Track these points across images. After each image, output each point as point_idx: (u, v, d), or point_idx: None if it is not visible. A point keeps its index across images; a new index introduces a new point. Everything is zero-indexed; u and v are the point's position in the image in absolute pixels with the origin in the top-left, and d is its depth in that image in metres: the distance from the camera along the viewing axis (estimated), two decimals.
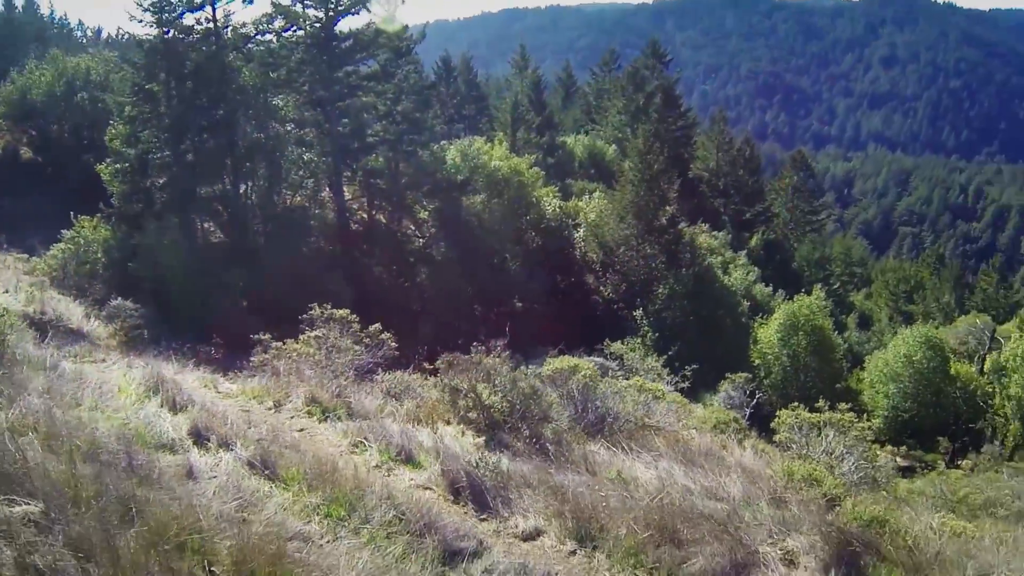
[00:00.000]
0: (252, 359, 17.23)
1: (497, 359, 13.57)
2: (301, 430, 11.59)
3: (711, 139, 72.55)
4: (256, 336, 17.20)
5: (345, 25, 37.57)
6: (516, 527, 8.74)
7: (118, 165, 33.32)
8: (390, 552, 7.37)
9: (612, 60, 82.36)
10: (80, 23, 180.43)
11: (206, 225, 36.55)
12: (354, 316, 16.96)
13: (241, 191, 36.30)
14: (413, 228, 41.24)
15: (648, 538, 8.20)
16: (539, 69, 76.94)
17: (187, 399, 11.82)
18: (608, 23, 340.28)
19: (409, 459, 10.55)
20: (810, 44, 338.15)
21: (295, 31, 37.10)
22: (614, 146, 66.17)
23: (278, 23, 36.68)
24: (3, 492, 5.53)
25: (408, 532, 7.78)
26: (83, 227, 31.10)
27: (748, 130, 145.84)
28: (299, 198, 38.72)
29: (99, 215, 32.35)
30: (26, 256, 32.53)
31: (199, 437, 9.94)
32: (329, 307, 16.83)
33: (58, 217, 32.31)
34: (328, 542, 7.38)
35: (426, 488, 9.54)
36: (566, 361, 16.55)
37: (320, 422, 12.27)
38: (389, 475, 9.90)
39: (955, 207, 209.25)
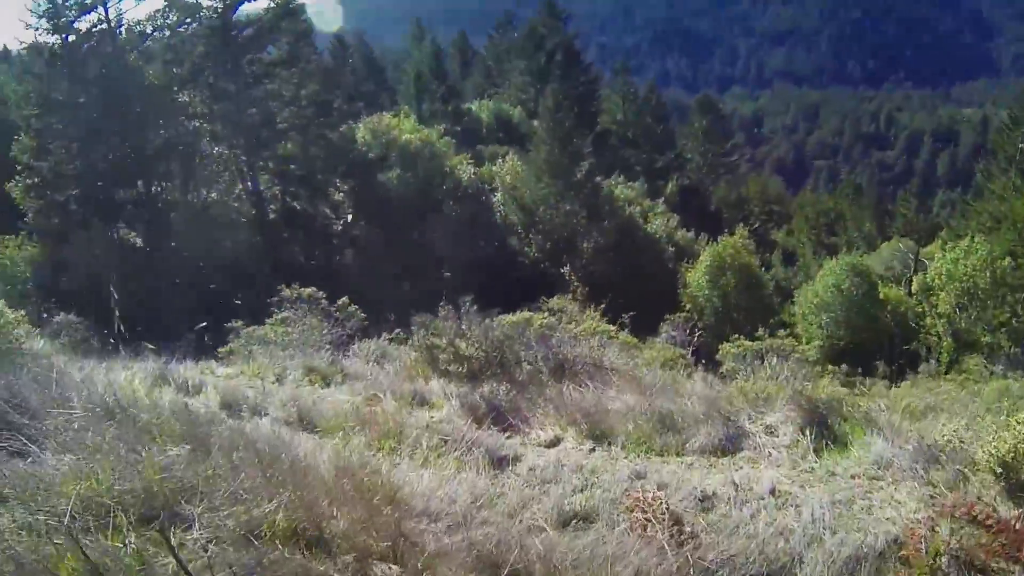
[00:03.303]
0: (218, 350, 18.71)
1: (467, 316, 15.26)
2: (312, 395, 12.88)
3: (616, 91, 74.44)
4: (228, 325, 18.65)
5: (243, 13, 37.90)
6: (539, 438, 10.52)
7: (29, 180, 33.71)
8: (447, 466, 9.12)
9: (508, 22, 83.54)
10: None
11: (124, 232, 37.25)
12: (321, 293, 18.59)
13: (155, 191, 37.19)
14: (330, 211, 42.28)
15: (652, 430, 10.11)
16: (436, 37, 77.81)
17: (197, 384, 13.23)
18: None
19: (423, 402, 12.10)
20: None
21: (190, 24, 37.78)
22: (519, 108, 67.64)
23: (174, 17, 37.35)
24: (155, 441, 7.04)
25: (456, 450, 9.50)
26: (7, 247, 31.70)
27: (651, 78, 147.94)
28: (215, 193, 39.63)
29: (22, 233, 32.92)
30: None
31: (230, 410, 11.36)
32: (297, 287, 18.42)
33: None
34: (390, 467, 8.77)
35: (449, 422, 10.97)
36: (520, 316, 18.11)
37: (323, 388, 13.67)
38: (411, 416, 11.22)
39: (867, 136, 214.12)
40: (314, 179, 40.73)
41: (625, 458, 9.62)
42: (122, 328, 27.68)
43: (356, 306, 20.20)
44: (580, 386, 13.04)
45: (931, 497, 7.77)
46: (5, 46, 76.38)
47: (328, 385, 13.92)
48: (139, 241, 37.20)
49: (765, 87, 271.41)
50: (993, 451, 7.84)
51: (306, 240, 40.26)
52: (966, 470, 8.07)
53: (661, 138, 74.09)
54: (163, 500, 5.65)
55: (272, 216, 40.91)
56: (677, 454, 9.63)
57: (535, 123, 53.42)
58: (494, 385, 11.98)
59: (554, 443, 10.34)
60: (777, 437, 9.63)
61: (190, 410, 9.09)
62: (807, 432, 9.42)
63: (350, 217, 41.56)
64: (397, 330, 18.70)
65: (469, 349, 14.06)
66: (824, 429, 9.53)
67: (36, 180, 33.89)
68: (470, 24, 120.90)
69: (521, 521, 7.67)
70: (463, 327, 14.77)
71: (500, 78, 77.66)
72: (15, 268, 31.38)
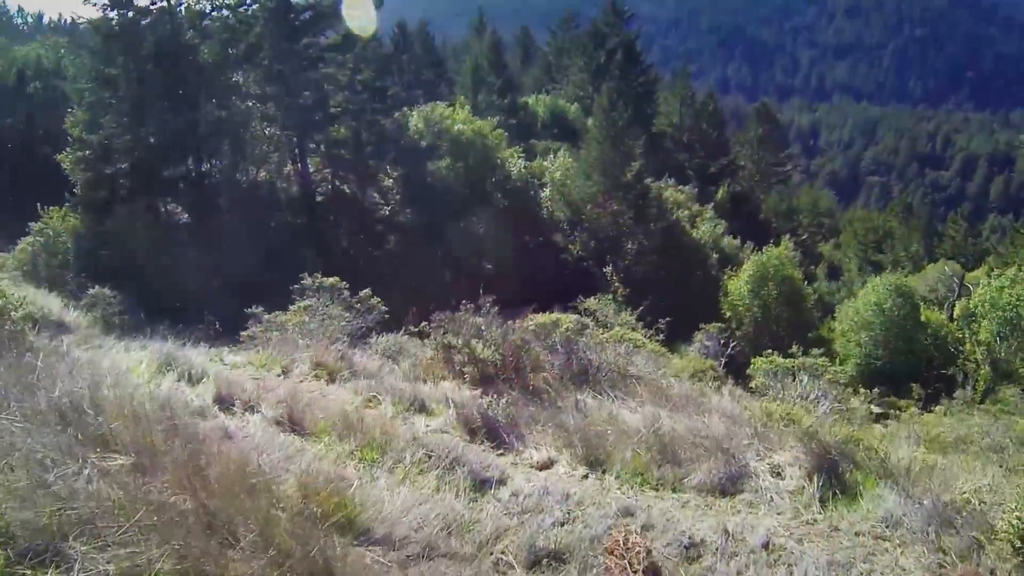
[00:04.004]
0: (240, 334, 18.11)
1: (487, 316, 14.55)
2: (313, 392, 12.20)
3: (674, 94, 73.30)
4: (248, 310, 18.07)
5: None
6: (531, 459, 9.74)
7: (80, 153, 33.43)
8: (426, 485, 8.44)
9: (571, 18, 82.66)
10: (20, 10, 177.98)
11: (171, 207, 37.06)
12: (344, 284, 17.94)
13: (205, 170, 36.95)
14: (378, 196, 41.74)
15: (651, 459, 9.27)
16: (497, 31, 77.11)
17: (200, 372, 12.59)
18: None
19: (422, 408, 11.45)
20: None
21: (249, 5, 37.50)
22: (576, 105, 66.80)
23: None
24: (96, 451, 6.37)
25: (439, 467, 8.80)
26: (51, 218, 31.29)
27: (711, 83, 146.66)
28: (264, 173, 39.36)
29: (67, 205, 32.58)
30: None
31: (223, 403, 10.76)
32: (320, 276, 17.78)
33: (17, 210, 32.48)
34: (367, 482, 8.24)
35: (443, 432, 10.37)
36: (548, 316, 17.43)
37: (328, 384, 12.99)
38: (406, 424, 10.67)
39: (923, 156, 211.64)
40: (364, 164, 40.20)
41: (618, 489, 8.80)
42: (154, 304, 27.35)
43: (398, 294, 19.63)
44: (599, 395, 12.46)
45: (940, 566, 6.89)
46: (51, 20, 76.96)
47: (334, 381, 13.20)
48: (185, 218, 36.92)
49: (825, 99, 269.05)
50: (1015, 521, 6.95)
51: (352, 225, 39.71)
52: (982, 537, 7.17)
53: (716, 144, 72.87)
54: (52, 534, 4.96)
55: (320, 199, 40.45)
56: (674, 489, 8.76)
57: (590, 121, 52.62)
58: (494, 397, 11.19)
59: (546, 465, 9.56)
60: (783, 480, 8.74)
61: (160, 409, 8.49)
62: (815, 478, 8.52)
63: (397, 204, 40.94)
64: (424, 322, 17.99)
65: (485, 352, 13.46)
66: (834, 476, 8.61)
67: (86, 152, 33.56)
68: (537, 20, 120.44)
69: (491, 554, 6.98)
70: (482, 328, 14.09)
71: (560, 74, 76.86)
72: (57, 239, 30.99)
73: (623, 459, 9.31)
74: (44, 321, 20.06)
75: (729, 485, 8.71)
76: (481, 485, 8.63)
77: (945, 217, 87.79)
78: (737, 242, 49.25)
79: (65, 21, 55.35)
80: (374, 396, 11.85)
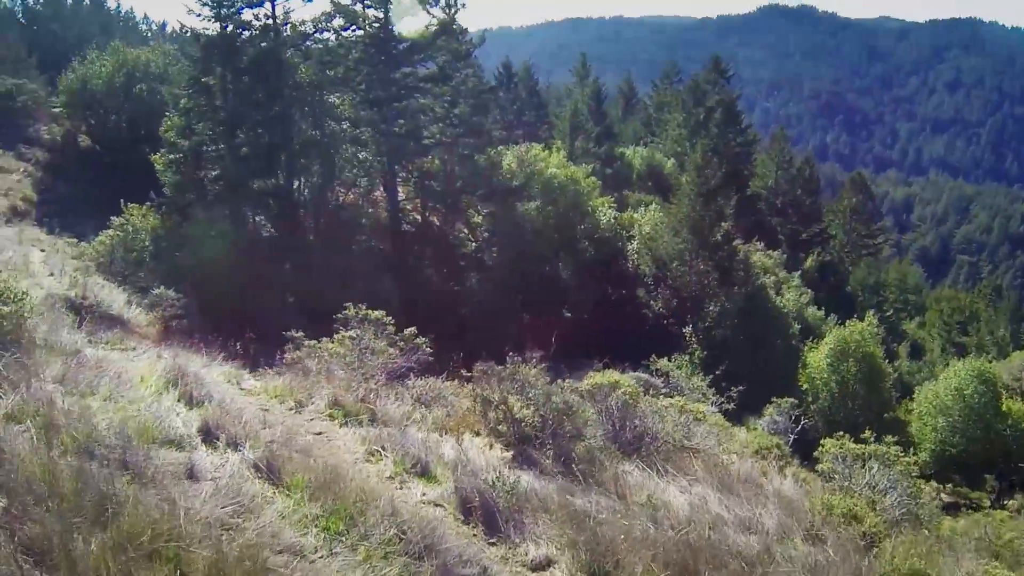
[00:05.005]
0: (284, 356, 16.73)
1: (533, 371, 12.99)
2: (319, 433, 11.04)
3: (771, 157, 71.67)
4: (289, 333, 16.67)
5: (404, 26, 37.00)
6: (526, 555, 8.14)
7: (172, 156, 33.35)
8: (384, 574, 6.81)
9: (674, 73, 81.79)
10: (146, 17, 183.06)
11: (258, 218, 36.50)
12: (390, 318, 16.36)
13: (294, 187, 36.34)
14: (466, 232, 40.74)
15: None
16: (600, 79, 75.92)
17: (205, 394, 11.19)
18: (670, 37, 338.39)
19: (425, 472, 9.99)
20: (874, 65, 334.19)
21: (354, 30, 36.97)
22: (672, 160, 65.13)
23: (337, 22, 36.55)
24: None
25: (407, 553, 7.19)
26: (132, 215, 30.64)
27: (809, 149, 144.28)
28: (352, 196, 38.64)
29: (149, 203, 31.97)
30: (76, 241, 32.24)
31: (208, 435, 9.36)
32: (364, 307, 16.23)
33: (111, 204, 32.02)
34: (321, 557, 6.83)
35: (437, 505, 8.99)
36: (607, 376, 15.96)
37: (340, 426, 11.71)
38: (401, 488, 9.37)
39: (1015, 237, 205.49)
40: (454, 198, 39.27)
41: None
42: (219, 313, 26.43)
43: (472, 333, 18.02)
44: (648, 467, 11.43)
45: None
46: (174, 29, 78.07)
47: (347, 423, 11.78)
48: (267, 231, 36.35)
49: (921, 174, 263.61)
50: None
51: (436, 257, 38.76)
52: None
53: (809, 210, 70.97)
54: None
55: (406, 228, 39.46)
56: None
57: (684, 177, 51.07)
58: (497, 478, 9.47)
59: (541, 566, 7.88)
60: None
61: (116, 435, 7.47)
62: None
63: (483, 242, 39.75)
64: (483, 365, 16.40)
65: (524, 411, 12.11)
66: None
67: (178, 156, 33.43)
68: (642, 72, 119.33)
69: None
70: (525, 384, 12.62)
71: (659, 128, 75.44)
72: (136, 236, 30.28)
73: (632, 574, 7.48)
74: (98, 314, 19.41)
75: None
76: None
77: None
78: (821, 313, 47.53)
79: (184, 31, 55.90)
80: (378, 449, 10.41)
